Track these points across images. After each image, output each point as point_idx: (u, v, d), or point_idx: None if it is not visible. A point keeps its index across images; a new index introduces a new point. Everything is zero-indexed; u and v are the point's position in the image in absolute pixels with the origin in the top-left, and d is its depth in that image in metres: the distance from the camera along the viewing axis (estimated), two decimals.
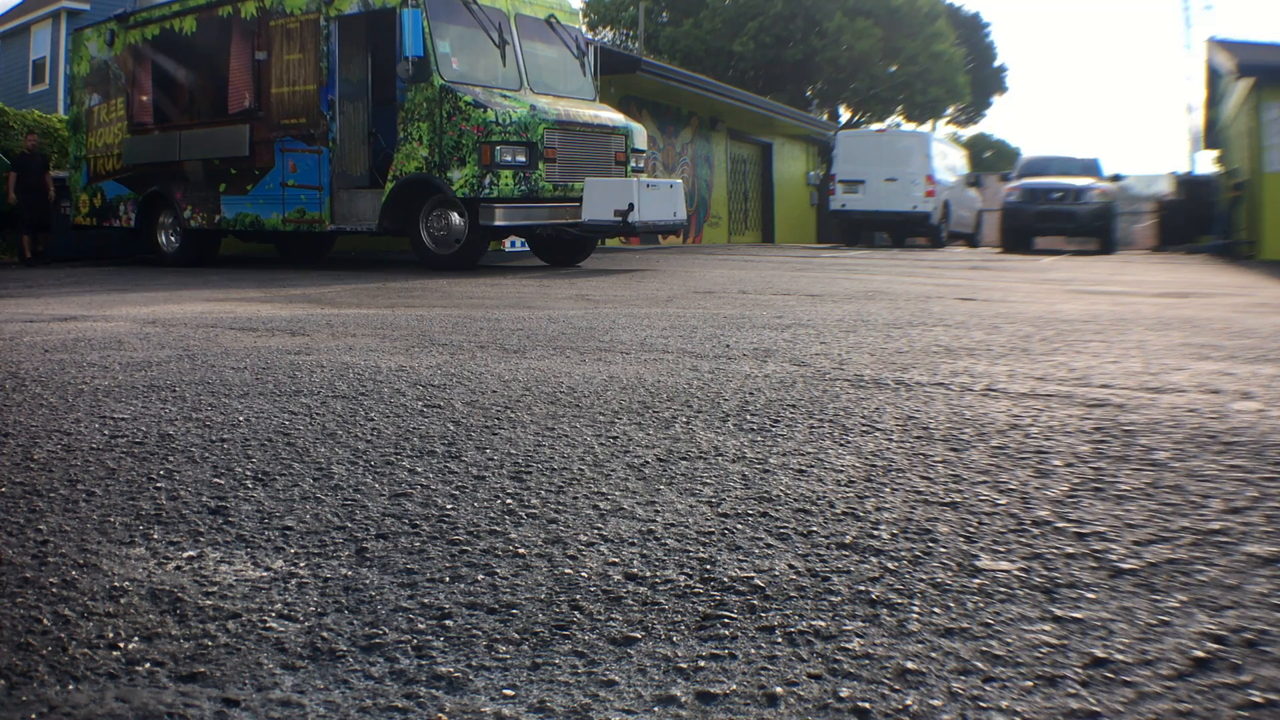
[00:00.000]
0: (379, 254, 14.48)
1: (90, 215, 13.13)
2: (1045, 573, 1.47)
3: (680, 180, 11.33)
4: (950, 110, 38.73)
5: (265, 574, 1.49)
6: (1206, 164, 25.40)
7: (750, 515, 1.76)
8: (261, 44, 11.07)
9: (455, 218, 9.98)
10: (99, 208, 12.94)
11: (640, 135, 11.20)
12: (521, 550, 1.59)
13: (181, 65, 11.96)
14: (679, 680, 1.16)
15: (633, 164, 10.96)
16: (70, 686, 1.14)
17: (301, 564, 1.53)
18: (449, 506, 1.82)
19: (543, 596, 1.40)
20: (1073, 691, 1.11)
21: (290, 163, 10.84)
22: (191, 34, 11.84)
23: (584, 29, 11.92)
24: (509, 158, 9.61)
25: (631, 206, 9.64)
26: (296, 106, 10.75)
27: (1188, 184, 21.97)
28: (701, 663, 1.20)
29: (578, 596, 1.40)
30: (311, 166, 10.70)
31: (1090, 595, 1.39)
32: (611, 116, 11.07)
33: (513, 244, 15.46)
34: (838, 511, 1.78)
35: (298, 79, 10.75)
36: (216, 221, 11.58)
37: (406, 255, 12.66)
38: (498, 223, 9.71)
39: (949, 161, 21.53)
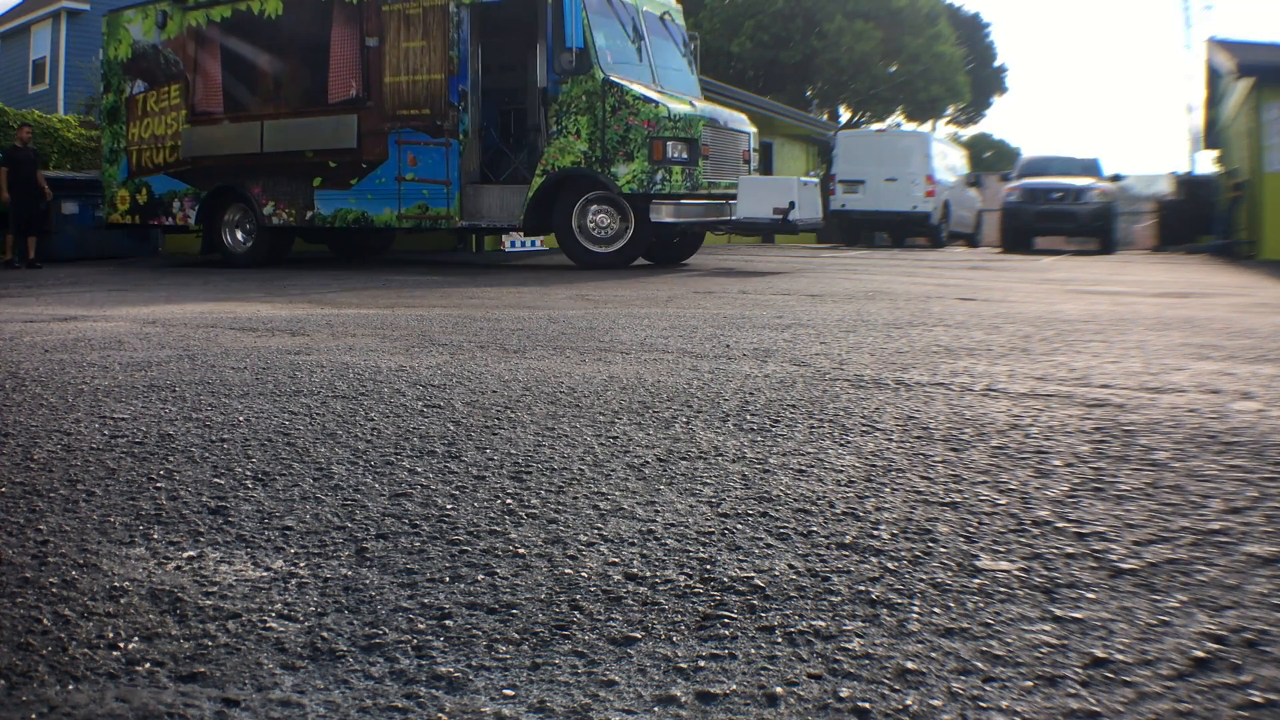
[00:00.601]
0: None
1: (131, 213, 12.24)
2: (1045, 573, 1.47)
3: (817, 180, 11.14)
4: (950, 110, 38.74)
5: (265, 574, 1.49)
6: (1206, 164, 25.40)
7: (750, 515, 1.76)
8: (372, 29, 10.51)
9: (608, 215, 9.73)
10: (144, 204, 12.07)
11: (756, 136, 11.14)
12: (521, 550, 1.59)
13: (263, 50, 11.22)
14: (679, 680, 1.16)
15: (752, 164, 10.95)
16: (70, 686, 1.14)
17: (301, 564, 1.53)
18: (449, 506, 1.82)
19: (543, 596, 1.40)
20: (1073, 691, 1.11)
21: (409, 155, 10.34)
22: (276, 17, 11.14)
23: (685, 26, 11.72)
24: (676, 154, 9.46)
25: (793, 204, 9.61)
26: (418, 96, 10.24)
27: (1188, 184, 21.96)
28: (701, 663, 1.20)
29: (578, 596, 1.40)
30: (437, 160, 10.21)
31: (1090, 595, 1.39)
32: (738, 115, 11.02)
33: (514, 244, 15.42)
34: (838, 511, 1.78)
35: (419, 67, 10.24)
36: (308, 219, 11.03)
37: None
38: (668, 219, 9.55)
39: (949, 161, 21.53)
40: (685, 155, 9.55)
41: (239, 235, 11.67)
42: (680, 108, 9.65)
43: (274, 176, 11.19)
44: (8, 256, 12.14)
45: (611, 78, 9.56)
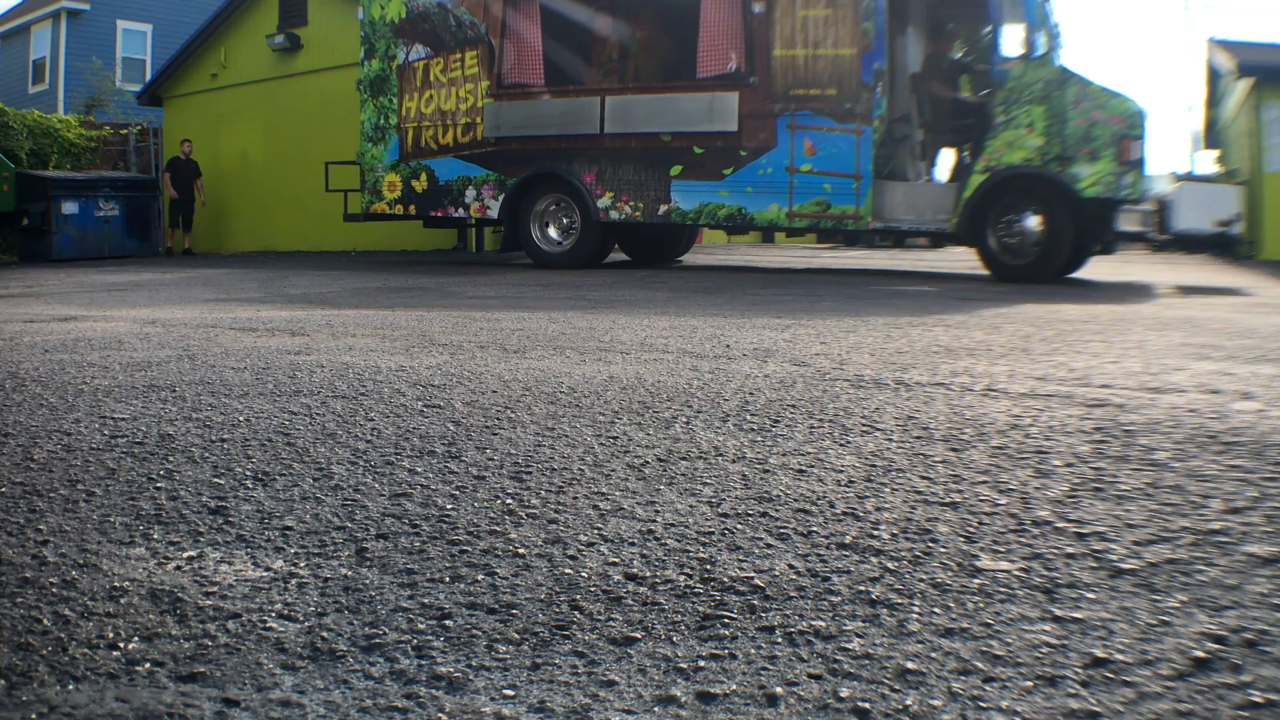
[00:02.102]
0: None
1: (403, 202, 10.49)
2: (1045, 573, 1.47)
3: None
4: None
5: (265, 574, 1.49)
6: (1206, 164, 25.38)
7: (750, 515, 1.76)
8: None
9: (1032, 220, 8.37)
10: (421, 193, 10.37)
11: None
12: (521, 550, 1.59)
13: (602, 12, 9.62)
14: (679, 680, 1.16)
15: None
16: (70, 686, 1.14)
17: (301, 564, 1.53)
18: (449, 506, 1.82)
19: (543, 596, 1.40)
20: (1073, 691, 1.11)
21: (805, 143, 8.83)
22: None
23: None
24: (1139, 155, 8.14)
25: (1238, 216, 8.70)
26: (820, 74, 8.72)
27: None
28: (701, 663, 1.20)
29: (578, 596, 1.40)
30: (843, 149, 8.71)
31: (1090, 595, 1.39)
32: None
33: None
34: (838, 511, 1.78)
35: (823, 40, 8.72)
36: (661, 213, 9.45)
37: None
38: (1135, 228, 8.39)
39: (950, 162, 21.46)
40: (1142, 157, 8.25)
41: (552, 231, 10.06)
42: (1139, 104, 8.32)
43: (615, 163, 9.50)
44: (179, 249, 15.69)
45: (1068, 66, 8.28)
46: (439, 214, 10.50)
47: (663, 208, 9.44)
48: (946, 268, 10.68)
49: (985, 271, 8.78)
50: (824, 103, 8.75)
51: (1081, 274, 9.06)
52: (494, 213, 10.11)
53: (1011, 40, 8.24)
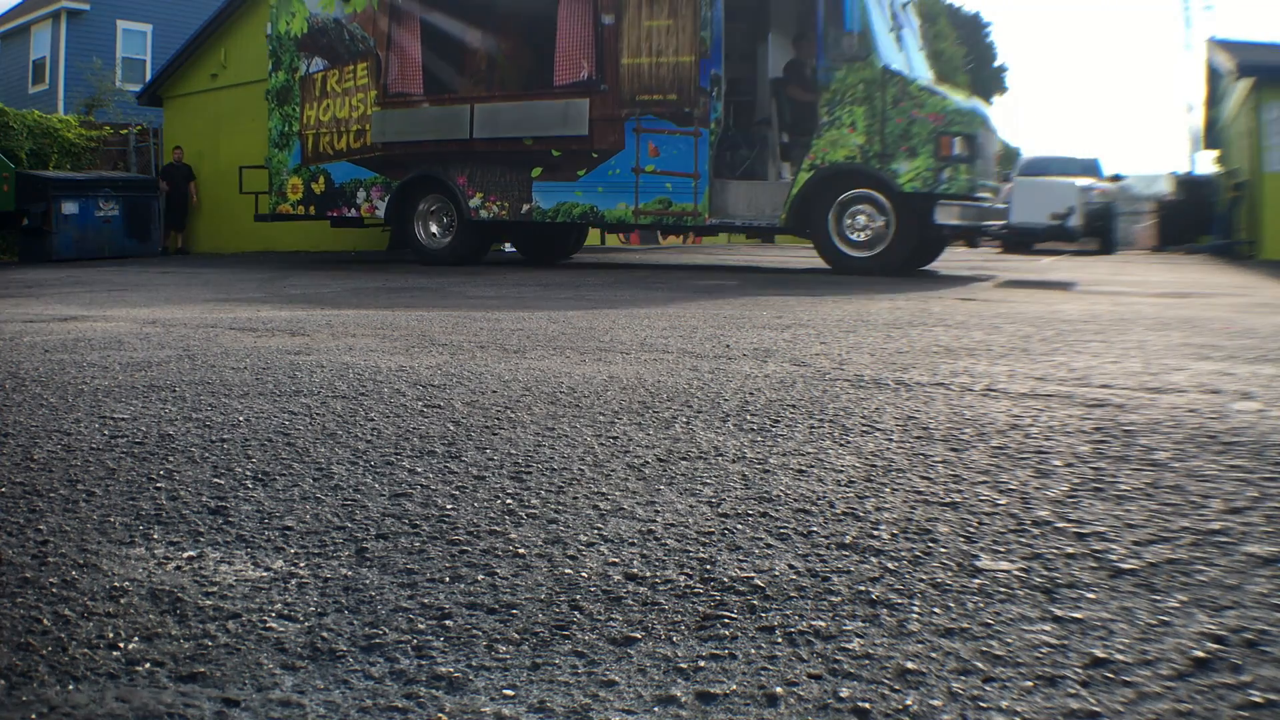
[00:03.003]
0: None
1: (305, 203, 11.28)
2: (1045, 573, 1.47)
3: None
4: None
5: (265, 574, 1.49)
6: (1206, 164, 25.39)
7: (750, 515, 1.76)
8: (608, 6, 9.68)
9: (871, 215, 8.93)
10: (320, 195, 11.16)
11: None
12: (521, 550, 1.59)
13: (473, 26, 10.33)
14: (679, 680, 1.16)
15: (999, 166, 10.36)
16: (70, 686, 1.14)
17: (301, 564, 1.53)
18: (449, 506, 1.82)
19: (543, 596, 1.40)
20: (1073, 691, 1.11)
21: (649, 145, 9.50)
22: None
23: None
24: (961, 151, 8.69)
25: (1071, 211, 8.98)
26: (662, 80, 9.40)
27: (1188, 184, 21.95)
28: (701, 663, 1.20)
29: (578, 596, 1.40)
30: (683, 151, 9.37)
31: (1090, 595, 1.39)
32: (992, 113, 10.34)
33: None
34: (838, 511, 1.78)
35: (665, 48, 9.40)
36: (524, 212, 10.15)
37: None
38: (953, 221, 8.79)
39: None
40: (968, 153, 8.76)
41: (434, 229, 10.80)
42: (964, 101, 8.97)
43: (484, 166, 10.24)
44: (165, 244, 15.89)
45: (891, 66, 8.83)
46: (334, 214, 11.25)
47: (525, 207, 10.12)
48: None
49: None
50: (665, 107, 9.41)
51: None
52: (381, 213, 10.89)
53: (845, 43, 8.73)
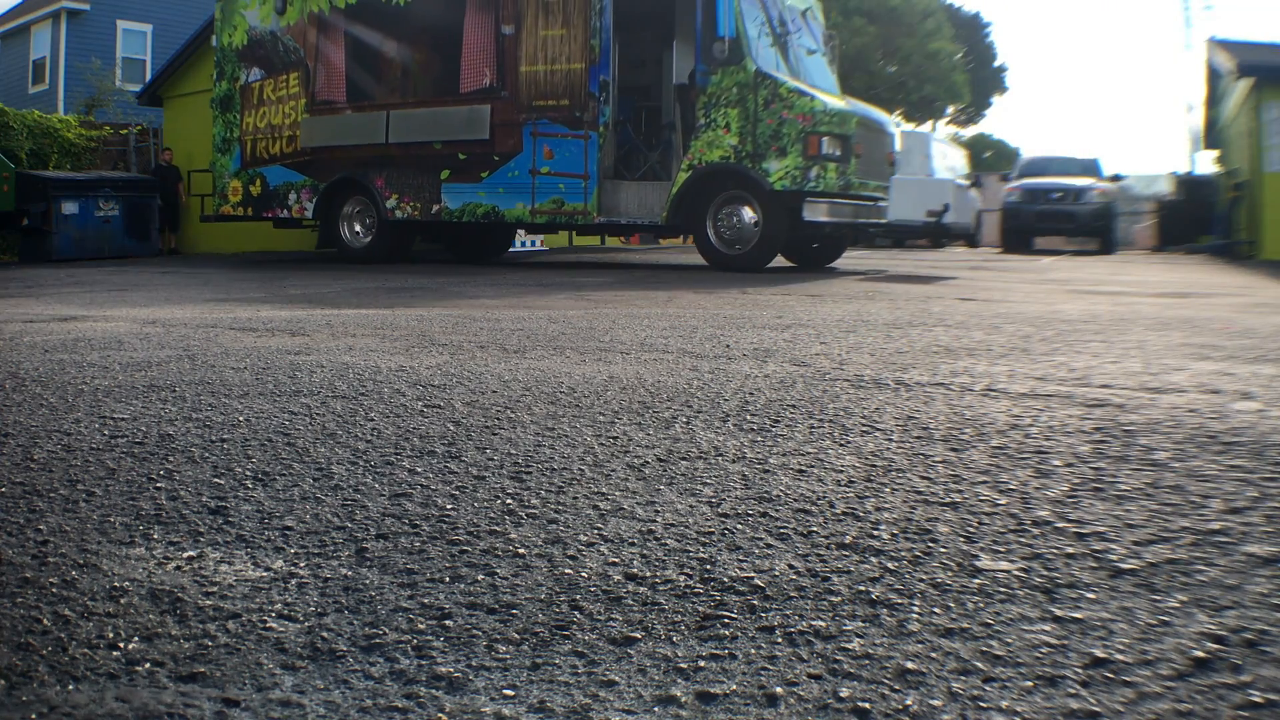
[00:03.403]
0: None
1: (244, 205, 11.93)
2: (1045, 573, 1.47)
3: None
4: (951, 110, 38.73)
5: (265, 574, 1.49)
6: (1206, 164, 25.39)
7: (750, 515, 1.76)
8: (508, 16, 10.19)
9: (747, 214, 9.38)
10: (257, 196, 11.80)
11: (899, 138, 10.91)
12: (521, 550, 1.59)
13: (390, 37, 10.94)
14: (679, 680, 1.16)
15: (896, 166, 10.69)
16: (70, 686, 1.14)
17: (301, 564, 1.53)
18: (449, 506, 1.82)
19: (543, 596, 1.40)
20: (1073, 691, 1.11)
21: (545, 148, 10.04)
22: (405, 3, 10.86)
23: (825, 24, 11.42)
24: (831, 151, 9.10)
25: (946, 207, 9.36)
26: (556, 87, 9.94)
27: (1188, 184, 21.96)
28: (701, 663, 1.20)
29: (578, 596, 1.40)
30: (574, 153, 9.90)
31: (1090, 595, 1.39)
32: (885, 116, 10.72)
33: (521, 243, 15.37)
34: (838, 511, 1.78)
35: (559, 56, 9.94)
36: (434, 212, 10.72)
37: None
38: (821, 219, 9.17)
39: (949, 161, 21.50)
40: (839, 152, 9.15)
41: (357, 229, 11.37)
42: (835, 103, 9.34)
43: (399, 168, 10.82)
44: (168, 248, 16.03)
45: (764, 69, 9.23)
46: (270, 215, 11.86)
47: (435, 207, 10.68)
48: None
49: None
50: (559, 112, 9.94)
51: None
52: (310, 213, 11.53)
53: (716, 48, 9.18)
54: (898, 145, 10.72)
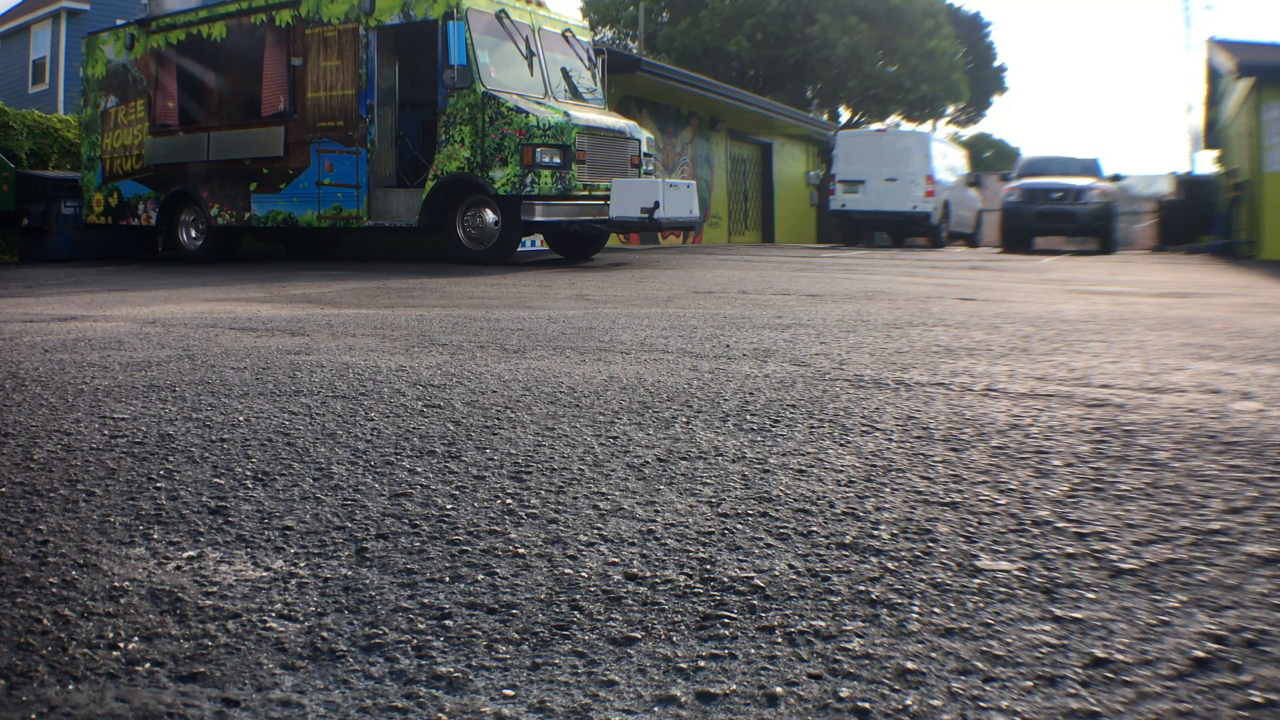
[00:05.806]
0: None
1: (105, 215, 13.58)
2: (1045, 573, 1.47)
3: (694, 181, 12.20)
4: (950, 110, 38.74)
5: (265, 574, 1.49)
6: (1206, 164, 25.40)
7: (750, 515, 1.76)
8: (297, 50, 11.70)
9: (489, 215, 10.75)
10: (115, 207, 13.44)
11: (650, 140, 12.12)
12: (521, 550, 1.59)
13: (210, 69, 12.53)
14: (679, 680, 1.16)
15: (646, 167, 11.85)
16: (70, 686, 1.14)
17: (301, 564, 1.53)
18: (449, 506, 1.82)
19: (543, 596, 1.40)
20: (1073, 691, 1.11)
21: (327, 163, 11.54)
22: (221, 40, 12.43)
23: (592, 41, 12.87)
24: (547, 159, 10.33)
25: (657, 204, 10.33)
26: (334, 110, 11.41)
27: (1188, 184, 21.97)
28: (701, 663, 1.20)
29: (578, 596, 1.40)
30: (349, 167, 11.38)
31: (1090, 595, 1.39)
32: (628, 123, 11.98)
33: (522, 243, 15.54)
34: (838, 511, 1.78)
35: (335, 84, 11.44)
36: (246, 219, 12.21)
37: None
38: (537, 218, 10.38)
39: (949, 161, 21.53)
40: (558, 160, 10.40)
41: (191, 234, 12.99)
42: (552, 117, 10.51)
43: (219, 182, 12.47)
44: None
45: (491, 91, 10.54)
46: (125, 223, 13.48)
47: (247, 215, 12.23)
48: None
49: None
50: (337, 132, 11.50)
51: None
52: (154, 221, 13.12)
53: (447, 75, 10.51)
54: (650, 148, 11.98)
